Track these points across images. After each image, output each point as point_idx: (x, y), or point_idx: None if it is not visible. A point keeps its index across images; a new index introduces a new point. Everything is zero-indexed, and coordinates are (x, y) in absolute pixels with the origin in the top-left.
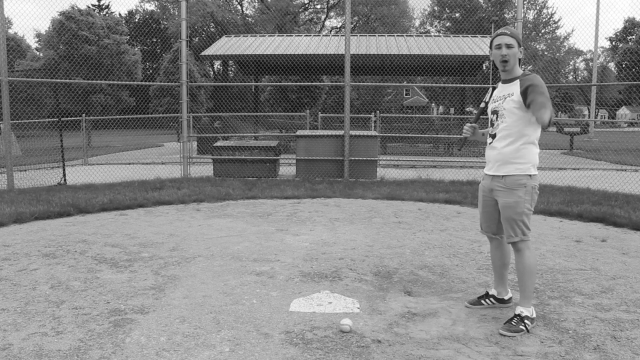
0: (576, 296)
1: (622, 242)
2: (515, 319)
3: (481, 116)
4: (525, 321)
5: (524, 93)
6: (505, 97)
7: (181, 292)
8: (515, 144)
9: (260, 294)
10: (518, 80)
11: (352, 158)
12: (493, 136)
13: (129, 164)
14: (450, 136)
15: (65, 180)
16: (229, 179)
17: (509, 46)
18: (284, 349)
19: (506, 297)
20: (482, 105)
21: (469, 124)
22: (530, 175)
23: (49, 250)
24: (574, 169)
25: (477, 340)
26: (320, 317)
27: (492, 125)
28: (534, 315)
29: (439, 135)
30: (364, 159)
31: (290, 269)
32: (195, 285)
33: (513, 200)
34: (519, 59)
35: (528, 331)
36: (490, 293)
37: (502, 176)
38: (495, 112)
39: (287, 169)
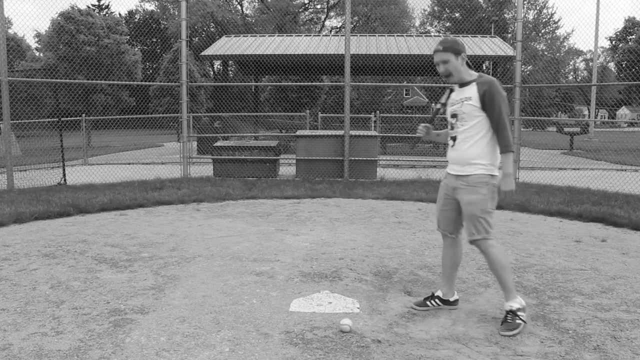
0: (576, 296)
1: (622, 242)
2: (509, 315)
3: (436, 116)
4: (518, 313)
5: (482, 99)
6: (462, 100)
7: (181, 292)
8: (477, 146)
9: (260, 294)
10: (475, 83)
11: (352, 158)
12: (454, 138)
13: (129, 164)
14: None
15: (65, 180)
16: (229, 179)
17: (445, 62)
18: (284, 349)
19: (452, 299)
20: (438, 106)
21: (423, 125)
22: (492, 175)
23: (49, 250)
24: (574, 169)
25: (477, 340)
26: (320, 317)
27: (452, 128)
28: (524, 304)
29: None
30: (364, 159)
31: (290, 269)
32: (195, 285)
33: (476, 197)
34: (467, 63)
35: (525, 322)
36: (435, 294)
37: (465, 175)
38: (454, 116)
39: (287, 169)
